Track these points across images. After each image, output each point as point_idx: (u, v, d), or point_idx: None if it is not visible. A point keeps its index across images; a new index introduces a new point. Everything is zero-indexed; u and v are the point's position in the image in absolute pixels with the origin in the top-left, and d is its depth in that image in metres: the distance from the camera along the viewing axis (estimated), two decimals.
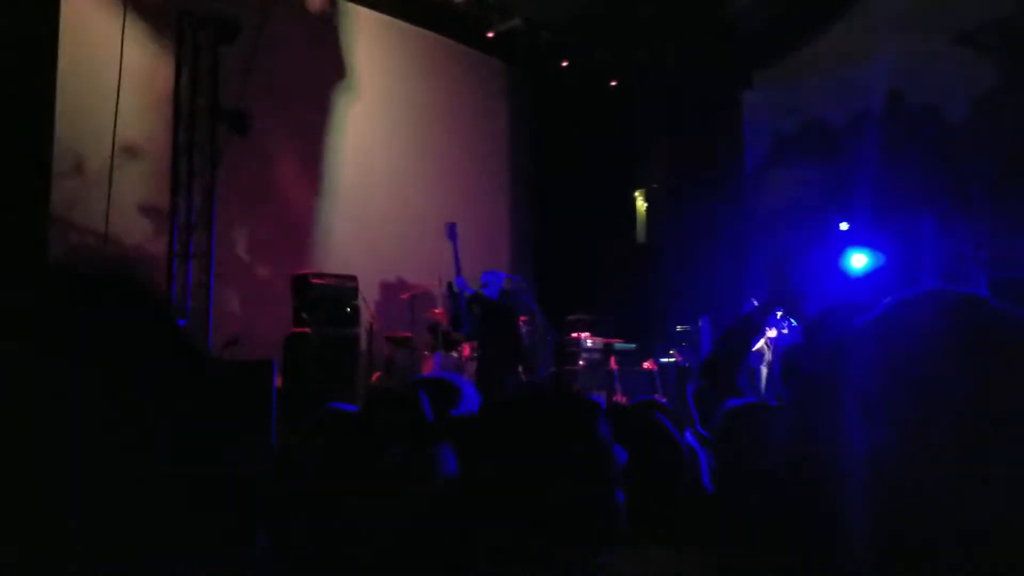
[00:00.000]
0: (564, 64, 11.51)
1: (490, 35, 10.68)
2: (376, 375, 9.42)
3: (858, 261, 11.61)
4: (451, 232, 8.99)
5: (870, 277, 11.38)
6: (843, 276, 11.55)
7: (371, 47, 10.73)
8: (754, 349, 10.00)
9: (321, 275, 9.01)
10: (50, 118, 7.68)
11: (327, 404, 3.55)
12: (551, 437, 1.34)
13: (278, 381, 7.73)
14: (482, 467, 1.36)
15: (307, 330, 8.60)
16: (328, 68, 10.26)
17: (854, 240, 11.74)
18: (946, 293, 1.05)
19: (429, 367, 9.35)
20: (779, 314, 10.82)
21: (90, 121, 7.98)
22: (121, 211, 7.89)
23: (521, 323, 10.05)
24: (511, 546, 1.27)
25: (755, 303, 10.96)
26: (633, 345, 11.17)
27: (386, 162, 10.87)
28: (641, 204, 12.61)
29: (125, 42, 7.83)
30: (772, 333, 9.70)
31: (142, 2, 8.15)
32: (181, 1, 8.27)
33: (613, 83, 11.89)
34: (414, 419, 2.33)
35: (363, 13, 10.54)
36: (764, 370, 10.45)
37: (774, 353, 9.62)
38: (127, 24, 7.87)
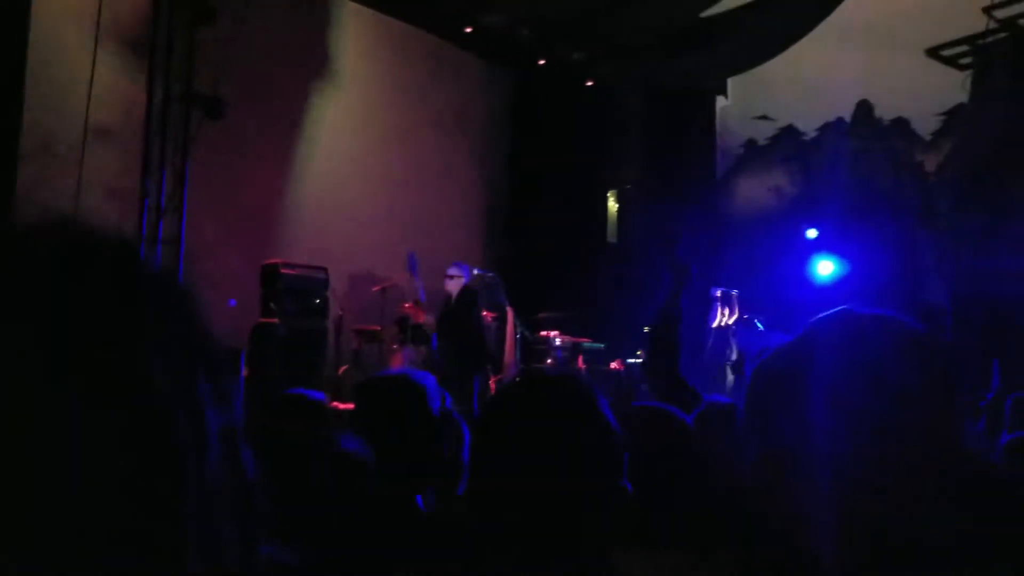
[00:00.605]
0: (541, 62, 11.62)
1: (468, 30, 10.76)
2: (343, 368, 9.44)
3: (825, 269, 11.85)
4: (411, 263, 8.85)
5: (836, 285, 11.63)
6: (810, 283, 11.79)
7: (349, 38, 10.78)
8: (731, 355, 10.17)
9: (291, 265, 9.03)
10: (19, 98, 7.64)
11: (289, 389, 3.60)
12: (558, 426, 1.32)
13: (244, 371, 7.77)
14: (488, 463, 1.34)
15: (274, 320, 8.62)
16: (305, 57, 10.28)
17: (821, 248, 11.98)
18: (856, 314, 1.11)
19: (397, 361, 9.41)
20: (746, 319, 11.03)
21: (60, 102, 7.94)
22: (91, 194, 7.86)
23: (487, 319, 10.13)
24: (521, 546, 1.27)
25: (718, 293, 11.19)
26: (602, 345, 11.31)
27: (360, 154, 10.91)
28: (613, 204, 12.79)
29: (99, 22, 7.80)
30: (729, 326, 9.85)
31: None
32: None
33: (589, 83, 12.04)
34: (417, 409, 2.42)
35: (344, 3, 10.59)
36: (730, 372, 10.65)
37: (745, 356, 9.78)
38: (101, 4, 7.85)
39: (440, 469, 2.53)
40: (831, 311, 1.12)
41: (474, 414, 2.63)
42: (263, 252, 9.03)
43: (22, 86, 7.62)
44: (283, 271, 8.82)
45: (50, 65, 7.89)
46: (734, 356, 10.11)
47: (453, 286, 8.55)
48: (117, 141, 8.15)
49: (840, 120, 12.66)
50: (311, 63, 10.36)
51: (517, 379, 1.65)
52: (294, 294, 8.93)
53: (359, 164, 10.87)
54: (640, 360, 10.83)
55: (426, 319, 8.79)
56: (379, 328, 9.78)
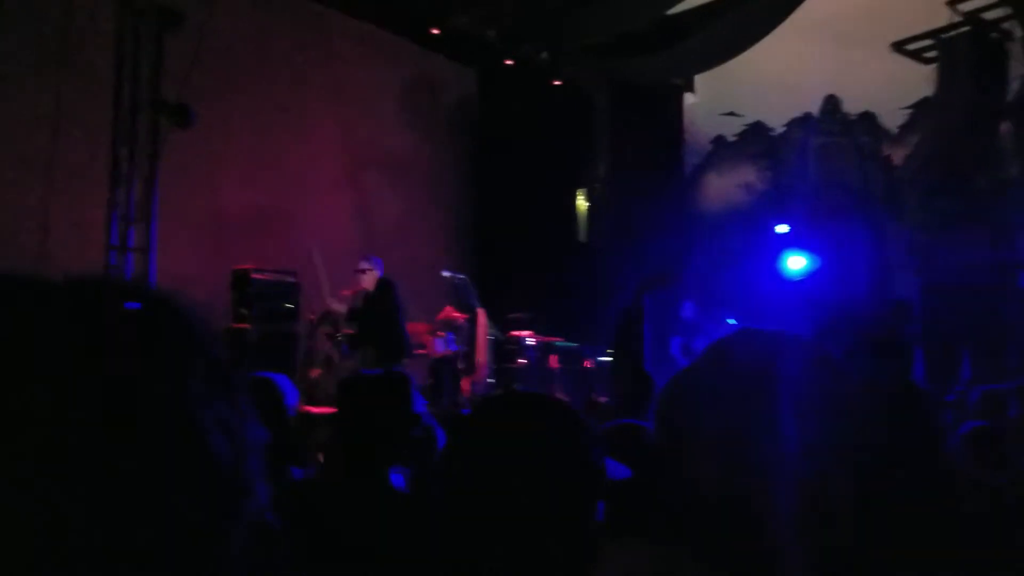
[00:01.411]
0: (508, 63, 11.78)
1: (435, 32, 10.92)
2: (316, 372, 9.59)
3: (795, 264, 12.06)
4: (314, 257, 8.74)
5: (806, 280, 11.86)
6: (780, 278, 12.01)
7: (315, 41, 10.93)
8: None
9: (261, 270, 9.19)
10: None
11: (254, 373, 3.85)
12: (532, 447, 1.33)
13: None
14: (461, 472, 1.36)
15: (246, 325, 8.77)
16: (272, 63, 10.43)
17: (791, 243, 12.21)
18: (756, 332, 1.17)
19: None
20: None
21: (27, 109, 8.08)
22: (58, 202, 7.99)
23: (458, 320, 10.30)
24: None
25: (690, 305, 11.41)
26: (574, 344, 11.49)
27: (327, 157, 11.08)
28: (583, 203, 12.96)
29: (66, 30, 7.94)
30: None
31: None
32: None
33: (557, 82, 12.22)
34: (398, 406, 2.64)
35: (308, 7, 10.74)
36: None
37: None
38: (67, 12, 7.98)
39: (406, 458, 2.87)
40: (732, 331, 1.20)
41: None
42: (233, 258, 9.16)
43: None
44: (253, 276, 8.98)
45: (16, 73, 8.02)
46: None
47: (367, 280, 8.39)
48: (85, 149, 8.28)
49: (808, 115, 12.91)
50: (277, 68, 10.51)
51: (504, 394, 1.67)
52: (265, 299, 9.10)
53: (326, 168, 11.05)
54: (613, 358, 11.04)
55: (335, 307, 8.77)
56: (351, 332, 9.93)
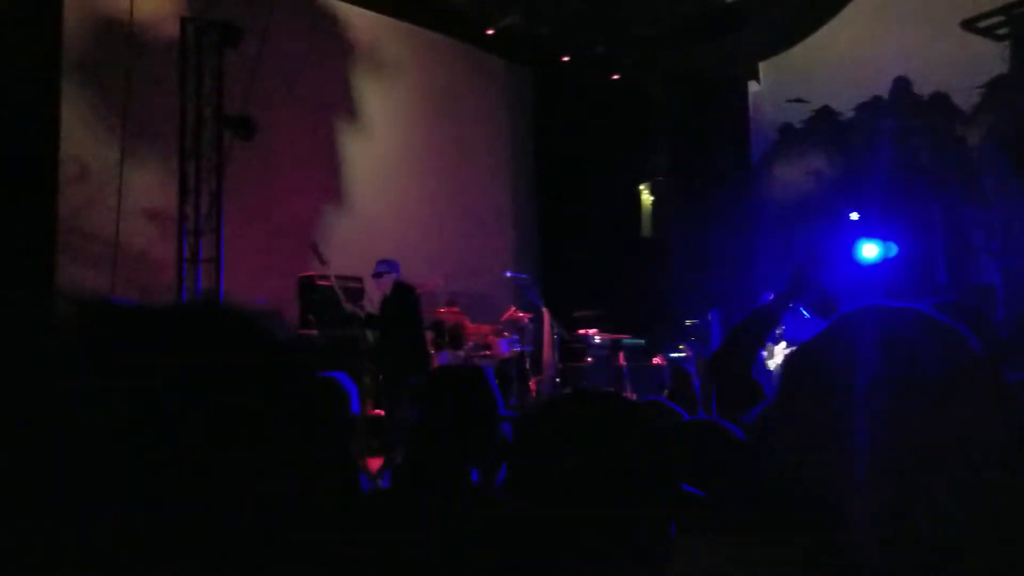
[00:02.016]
0: (565, 59, 11.81)
1: (489, 32, 11.02)
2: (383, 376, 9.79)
3: (869, 251, 11.85)
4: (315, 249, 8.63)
5: (882, 267, 11.66)
6: (855, 266, 11.82)
7: (373, 48, 11.16)
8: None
9: (326, 276, 9.41)
10: (55, 126, 8.16)
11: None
12: (600, 445, 1.37)
13: None
14: (531, 472, 1.40)
15: (312, 331, 9.00)
16: (331, 71, 10.68)
17: (865, 230, 12.00)
18: (885, 308, 1.12)
19: (434, 365, 9.74)
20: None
21: (96, 128, 8.46)
22: (130, 217, 8.35)
23: (523, 320, 10.38)
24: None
25: (770, 296, 11.28)
26: (642, 341, 11.46)
27: (390, 162, 11.30)
28: (646, 198, 12.93)
29: (130, 49, 8.28)
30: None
31: (146, 9, 8.58)
32: (184, 7, 8.70)
33: (615, 76, 12.21)
34: (482, 397, 2.62)
35: (364, 15, 10.97)
36: (774, 368, 10.72)
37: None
38: (132, 31, 8.33)
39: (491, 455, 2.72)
40: (859, 306, 1.15)
41: (412, 416, 2.82)
42: (299, 265, 9.40)
43: (59, 116, 8.13)
44: (318, 283, 9.21)
45: (84, 94, 8.40)
46: (781, 348, 10.10)
47: (384, 283, 8.24)
48: (153, 165, 8.62)
49: (877, 98, 12.64)
50: (336, 77, 10.76)
51: (571, 392, 1.63)
52: (330, 305, 9.32)
53: (388, 172, 11.25)
54: (684, 354, 10.97)
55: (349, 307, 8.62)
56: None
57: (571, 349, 10.97)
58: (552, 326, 10.59)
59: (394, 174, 11.35)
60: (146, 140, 8.68)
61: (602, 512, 1.31)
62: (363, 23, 11.05)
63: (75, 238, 8.28)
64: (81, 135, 8.41)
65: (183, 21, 8.41)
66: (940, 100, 12.37)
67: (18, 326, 0.64)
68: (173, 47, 8.36)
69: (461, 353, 10.00)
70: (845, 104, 12.92)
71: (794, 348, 1.18)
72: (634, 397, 10.17)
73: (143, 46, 8.55)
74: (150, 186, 8.70)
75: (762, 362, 10.10)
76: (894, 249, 11.76)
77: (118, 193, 8.23)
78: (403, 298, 8.19)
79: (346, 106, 10.88)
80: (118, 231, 8.12)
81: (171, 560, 0.57)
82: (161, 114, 8.52)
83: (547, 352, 10.58)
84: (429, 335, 9.97)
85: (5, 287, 7.00)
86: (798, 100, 13.07)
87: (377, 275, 8.24)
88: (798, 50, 12.15)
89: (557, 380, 10.71)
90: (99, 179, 8.43)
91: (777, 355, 10.00)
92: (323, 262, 8.35)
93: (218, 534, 0.59)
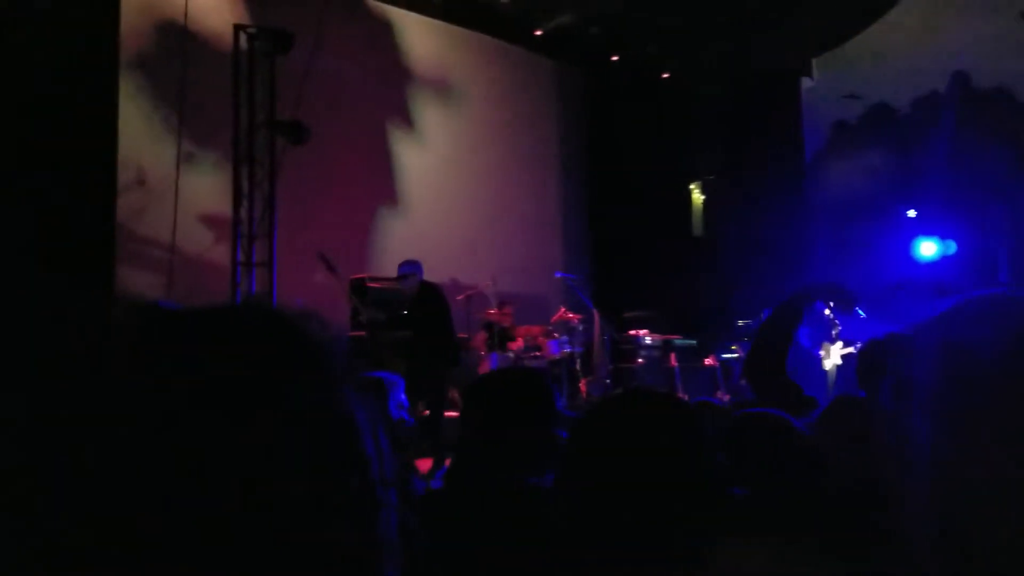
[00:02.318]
0: (614, 59, 11.81)
1: (538, 33, 11.06)
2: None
3: (927, 249, 11.69)
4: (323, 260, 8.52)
5: (941, 265, 11.48)
6: (912, 265, 11.66)
7: (421, 52, 11.28)
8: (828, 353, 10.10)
9: (376, 278, 9.54)
10: (113, 131, 8.40)
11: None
12: (651, 445, 1.39)
13: None
14: (583, 470, 1.42)
15: (363, 333, 9.11)
16: (382, 75, 10.81)
17: (922, 228, 11.83)
18: (1007, 297, 1.06)
19: (485, 367, 9.81)
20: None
21: (152, 133, 8.68)
22: (186, 221, 8.56)
23: (572, 321, 10.39)
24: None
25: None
26: (693, 341, 11.42)
27: (438, 164, 11.40)
28: (697, 197, 12.88)
29: (185, 55, 8.49)
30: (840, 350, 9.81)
31: (200, 16, 8.78)
32: (238, 14, 8.87)
33: (665, 75, 12.18)
34: (542, 402, 2.60)
35: (413, 19, 11.08)
36: (829, 363, 10.57)
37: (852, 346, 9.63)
38: (186, 38, 8.54)
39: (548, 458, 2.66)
40: (985, 292, 1.07)
41: (465, 418, 2.78)
42: (351, 267, 9.53)
43: (116, 121, 8.37)
44: (369, 284, 9.33)
45: (140, 99, 8.62)
46: (837, 348, 9.95)
47: (410, 285, 8.32)
48: (207, 170, 8.81)
49: (935, 93, 12.44)
50: (386, 80, 10.88)
51: (622, 393, 1.62)
52: (381, 306, 9.44)
53: (438, 175, 11.35)
54: (736, 355, 10.90)
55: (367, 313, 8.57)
56: (466, 335, 10.19)
57: (622, 350, 10.97)
58: (602, 327, 10.60)
59: (445, 176, 11.45)
60: (201, 145, 8.88)
61: (651, 512, 1.33)
62: (414, 27, 11.16)
63: (133, 242, 8.52)
64: (138, 140, 8.64)
65: (236, 28, 8.57)
66: (1000, 94, 12.14)
67: (76, 329, 0.66)
68: (227, 54, 8.53)
69: (511, 354, 10.07)
70: (901, 99, 12.73)
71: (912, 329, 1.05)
72: (686, 398, 10.17)
73: (197, 53, 8.75)
74: (205, 191, 8.89)
75: (819, 362, 10.02)
76: (953, 247, 11.58)
77: (175, 197, 8.44)
78: (431, 297, 8.28)
79: (397, 110, 11.01)
80: (175, 235, 8.32)
81: (214, 559, 0.58)
82: (215, 120, 8.69)
83: (597, 353, 10.59)
84: (482, 335, 10.05)
85: (65, 290, 7.19)
86: (853, 96, 12.91)
87: (402, 277, 8.31)
88: (852, 45, 11.99)
89: (608, 381, 10.72)
90: (156, 184, 8.66)
91: (834, 355, 9.89)
92: (331, 269, 8.38)
93: (260, 536, 0.60)
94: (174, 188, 8.47)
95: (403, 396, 3.81)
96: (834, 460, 2.45)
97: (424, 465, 7.56)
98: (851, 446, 2.38)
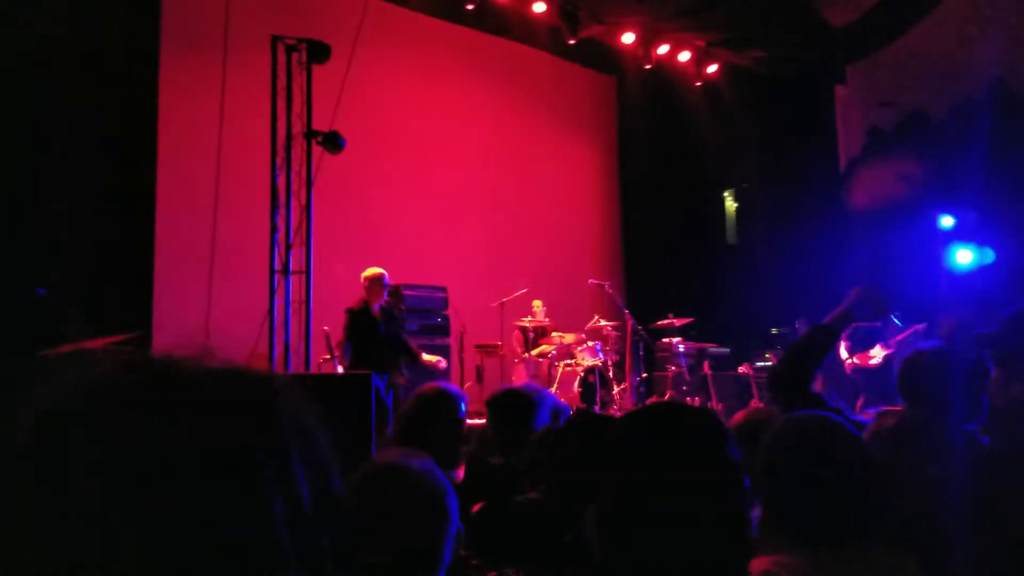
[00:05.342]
0: (647, 66, 11.98)
1: (571, 42, 11.25)
2: (467, 384, 10.09)
3: (964, 257, 11.70)
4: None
5: (977, 274, 11.49)
6: (948, 274, 11.68)
7: (455, 60, 11.49)
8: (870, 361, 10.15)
9: (412, 286, 9.79)
10: (154, 138, 8.71)
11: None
12: (677, 457, 1.41)
13: None
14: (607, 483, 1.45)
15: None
16: (415, 84, 11.05)
17: (959, 236, 11.84)
18: None
19: (518, 374, 10.00)
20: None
21: (190, 141, 8.99)
22: (224, 227, 8.85)
23: (605, 329, 10.52)
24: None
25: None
26: (727, 349, 11.53)
27: (472, 172, 11.61)
28: (731, 204, 12.98)
29: (223, 65, 8.80)
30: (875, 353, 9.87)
31: (238, 27, 9.07)
32: (274, 26, 9.14)
33: (698, 83, 12.32)
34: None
35: (447, 28, 11.31)
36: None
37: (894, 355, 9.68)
38: (226, 48, 8.85)
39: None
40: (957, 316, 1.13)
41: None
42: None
43: (156, 128, 8.70)
44: (405, 291, 9.58)
45: (179, 107, 8.94)
46: (877, 358, 9.99)
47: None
48: (245, 178, 9.09)
49: (971, 100, 12.48)
50: (420, 89, 11.11)
51: (649, 406, 1.67)
52: (416, 313, 9.70)
53: (471, 183, 11.55)
54: (770, 363, 10.97)
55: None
56: (499, 343, 10.39)
57: (655, 358, 11.08)
58: (635, 334, 10.72)
59: (478, 183, 11.66)
60: (239, 153, 9.15)
61: (684, 523, 1.36)
62: (447, 36, 11.39)
63: (173, 245, 8.81)
64: (177, 147, 8.94)
65: (273, 39, 8.83)
66: None
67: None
68: (264, 64, 8.79)
69: (543, 361, 10.25)
70: (937, 107, 12.76)
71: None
72: (720, 407, 10.26)
73: (236, 63, 9.04)
74: (243, 197, 9.16)
75: (841, 366, 10.12)
76: (991, 255, 11.59)
77: (214, 203, 8.73)
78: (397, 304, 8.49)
79: (431, 118, 11.24)
80: (214, 240, 8.59)
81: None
82: (253, 128, 8.96)
83: (630, 361, 10.72)
84: (517, 335, 10.25)
85: (105, 293, 7.51)
86: (887, 103, 12.97)
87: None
88: (887, 52, 12.06)
89: (641, 389, 10.84)
90: (195, 188, 8.96)
91: (876, 356, 9.97)
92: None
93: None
94: (214, 193, 8.77)
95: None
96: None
97: None
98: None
